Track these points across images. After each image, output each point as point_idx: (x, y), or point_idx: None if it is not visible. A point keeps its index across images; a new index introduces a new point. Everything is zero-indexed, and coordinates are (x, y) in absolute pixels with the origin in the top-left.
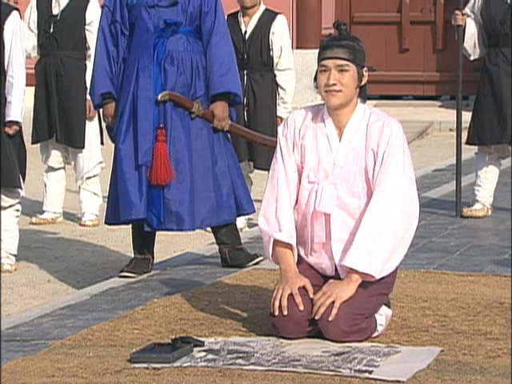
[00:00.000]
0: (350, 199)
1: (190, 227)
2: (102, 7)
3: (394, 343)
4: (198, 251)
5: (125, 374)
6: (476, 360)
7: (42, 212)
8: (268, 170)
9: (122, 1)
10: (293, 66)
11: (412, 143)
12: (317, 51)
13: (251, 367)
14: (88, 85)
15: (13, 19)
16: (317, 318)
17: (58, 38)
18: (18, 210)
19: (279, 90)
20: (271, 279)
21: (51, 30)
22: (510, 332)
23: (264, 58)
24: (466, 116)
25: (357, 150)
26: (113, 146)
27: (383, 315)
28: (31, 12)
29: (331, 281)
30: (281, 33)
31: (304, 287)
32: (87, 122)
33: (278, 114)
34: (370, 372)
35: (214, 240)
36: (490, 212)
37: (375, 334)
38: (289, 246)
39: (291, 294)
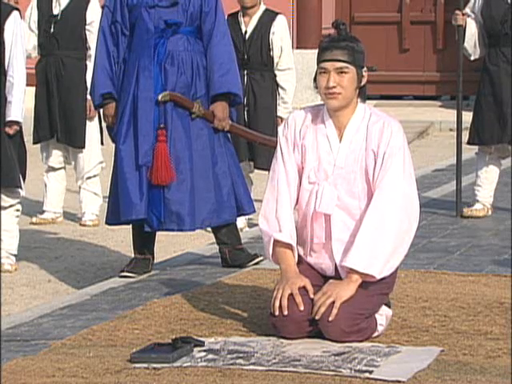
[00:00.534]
0: (351, 200)
1: (190, 227)
2: (103, 7)
3: (394, 343)
4: (198, 251)
5: (125, 373)
6: (476, 360)
7: (43, 212)
8: (268, 170)
9: (122, 1)
10: (293, 66)
11: (412, 143)
12: (317, 51)
13: (251, 367)
14: (88, 85)
15: (13, 19)
16: (317, 318)
17: (59, 38)
18: (18, 210)
19: (279, 89)
20: (271, 279)
21: (52, 30)
22: (510, 332)
23: (264, 57)
24: (467, 116)
25: (357, 151)
26: (113, 146)
27: (383, 315)
28: (32, 12)
29: (331, 281)
30: (281, 33)
31: (304, 287)
32: (88, 122)
33: (279, 113)
34: (371, 372)
35: (214, 240)
36: (490, 212)
37: (375, 333)
38: (289, 246)
39: (291, 294)
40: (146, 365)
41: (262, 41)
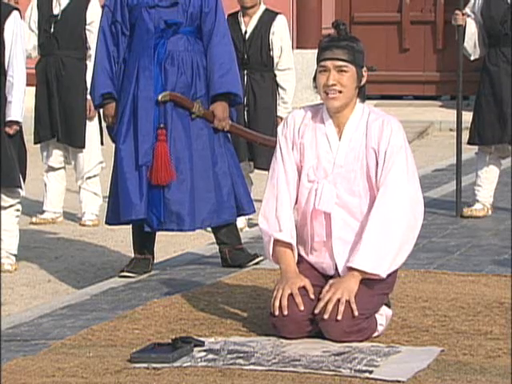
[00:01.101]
0: (351, 198)
1: (190, 227)
2: (103, 7)
3: (394, 343)
4: (198, 251)
5: (125, 373)
6: (476, 360)
7: (42, 212)
8: (268, 169)
9: (122, 1)
10: (293, 66)
11: (412, 143)
12: (317, 51)
13: (251, 367)
14: (88, 85)
15: (13, 19)
16: (326, 316)
17: (59, 38)
18: (18, 210)
19: (279, 89)
20: (271, 279)
21: (52, 29)
22: (510, 332)
23: (264, 57)
24: (467, 116)
25: (357, 149)
26: (113, 146)
27: (383, 315)
28: (32, 12)
29: (332, 280)
30: (281, 33)
31: (304, 287)
32: (87, 121)
33: (278, 113)
34: (370, 372)
35: (214, 240)
36: (490, 212)
37: (375, 333)
38: (289, 245)
39: (291, 294)
40: (145, 365)
41: (262, 41)
